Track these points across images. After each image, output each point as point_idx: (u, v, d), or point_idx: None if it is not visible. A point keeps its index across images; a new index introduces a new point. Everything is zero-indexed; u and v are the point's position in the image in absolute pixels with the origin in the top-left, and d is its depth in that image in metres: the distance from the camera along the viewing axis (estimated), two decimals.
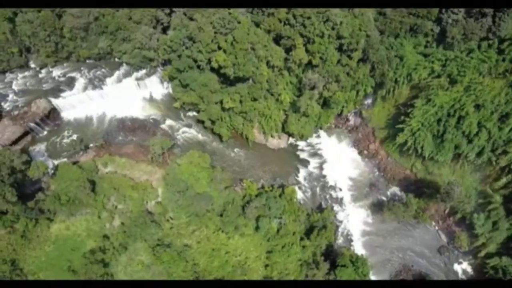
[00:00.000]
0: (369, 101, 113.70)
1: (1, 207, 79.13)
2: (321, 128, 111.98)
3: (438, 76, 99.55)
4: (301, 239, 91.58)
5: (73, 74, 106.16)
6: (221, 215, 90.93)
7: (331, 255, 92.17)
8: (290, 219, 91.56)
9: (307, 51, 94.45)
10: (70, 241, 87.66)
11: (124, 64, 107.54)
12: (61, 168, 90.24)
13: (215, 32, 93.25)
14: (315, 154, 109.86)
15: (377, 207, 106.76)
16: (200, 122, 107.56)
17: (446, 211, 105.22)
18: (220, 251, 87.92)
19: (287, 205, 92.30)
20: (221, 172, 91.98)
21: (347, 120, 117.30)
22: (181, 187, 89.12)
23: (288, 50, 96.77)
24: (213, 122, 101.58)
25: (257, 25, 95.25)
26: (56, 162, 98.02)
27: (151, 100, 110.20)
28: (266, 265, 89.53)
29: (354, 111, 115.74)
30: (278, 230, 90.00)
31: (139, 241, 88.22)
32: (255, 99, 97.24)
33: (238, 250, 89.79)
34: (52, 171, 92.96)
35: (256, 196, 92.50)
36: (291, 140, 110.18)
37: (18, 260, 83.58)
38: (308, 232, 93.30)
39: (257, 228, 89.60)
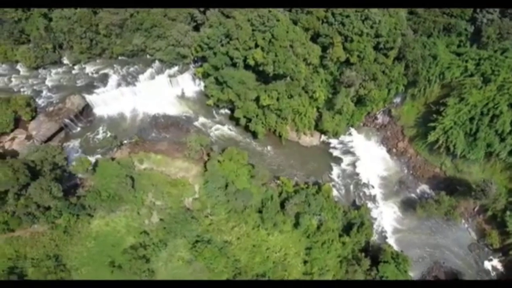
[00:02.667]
0: (398, 99, 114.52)
1: (47, 203, 79.10)
2: (352, 126, 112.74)
3: (471, 75, 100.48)
4: (340, 235, 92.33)
5: (106, 71, 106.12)
6: (260, 212, 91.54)
7: (369, 251, 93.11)
8: (329, 216, 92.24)
9: (344, 49, 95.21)
10: (110, 237, 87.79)
11: (157, 61, 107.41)
12: (101, 164, 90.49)
13: (253, 30, 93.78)
14: (347, 151, 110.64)
15: (407, 205, 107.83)
16: (232, 119, 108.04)
17: (476, 209, 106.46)
18: (261, 247, 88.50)
19: (324, 202, 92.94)
20: (262, 169, 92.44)
21: (375, 118, 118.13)
22: (221, 184, 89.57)
23: (324, 48, 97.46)
24: (248, 120, 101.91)
25: (295, 23, 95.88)
26: (91, 158, 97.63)
27: (183, 97, 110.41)
28: (305, 261, 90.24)
29: (382, 110, 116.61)
30: (318, 227, 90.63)
31: (179, 237, 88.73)
32: (291, 96, 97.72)
33: (277, 246, 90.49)
34: (91, 168, 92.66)
35: (294, 193, 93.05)
36: (323, 137, 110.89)
37: (61, 256, 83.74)
38: (346, 229, 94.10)
39: (296, 225, 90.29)
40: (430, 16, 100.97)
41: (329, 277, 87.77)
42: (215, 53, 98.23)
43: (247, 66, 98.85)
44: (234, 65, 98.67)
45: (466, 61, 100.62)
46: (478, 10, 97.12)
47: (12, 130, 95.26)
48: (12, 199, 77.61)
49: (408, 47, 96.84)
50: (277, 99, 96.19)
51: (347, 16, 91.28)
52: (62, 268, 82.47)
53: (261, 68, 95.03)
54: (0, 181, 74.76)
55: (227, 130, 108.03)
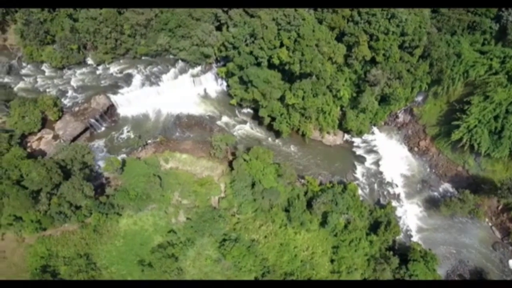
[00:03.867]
0: (419, 98, 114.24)
1: (80, 202, 79.72)
2: (375, 125, 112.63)
3: (496, 73, 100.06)
4: (367, 234, 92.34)
5: (129, 71, 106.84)
6: (286, 211, 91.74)
7: (396, 250, 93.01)
8: (356, 215, 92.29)
9: (370, 47, 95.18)
10: (138, 236, 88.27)
11: (180, 61, 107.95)
12: (128, 164, 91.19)
13: (279, 29, 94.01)
14: (370, 150, 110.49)
15: (431, 203, 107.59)
16: (255, 118, 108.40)
17: (500, 208, 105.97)
18: (288, 246, 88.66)
19: (351, 201, 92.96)
20: (288, 167, 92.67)
21: (396, 117, 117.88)
22: (248, 182, 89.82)
23: (349, 47, 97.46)
24: (272, 119, 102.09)
25: (320, 22, 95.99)
26: (117, 158, 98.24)
27: (206, 97, 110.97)
28: (332, 260, 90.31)
29: (403, 109, 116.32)
30: (345, 226, 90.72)
31: (206, 236, 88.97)
32: (315, 95, 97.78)
33: (305, 245, 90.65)
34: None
35: (321, 192, 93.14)
36: (346, 136, 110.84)
37: (91, 254, 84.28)
38: (373, 227, 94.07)
39: (323, 224, 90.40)
40: (454, 14, 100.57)
41: (357, 275, 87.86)
42: (239, 53, 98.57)
43: (270, 65, 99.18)
44: (258, 64, 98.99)
45: (491, 59, 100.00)
46: (503, 8, 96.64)
47: (39, 130, 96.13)
48: (44, 198, 78.29)
49: (433, 45, 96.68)
50: (302, 98, 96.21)
51: (373, 15, 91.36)
52: (93, 266, 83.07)
53: (286, 67, 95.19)
54: (34, 180, 75.51)
55: (250, 129, 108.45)
